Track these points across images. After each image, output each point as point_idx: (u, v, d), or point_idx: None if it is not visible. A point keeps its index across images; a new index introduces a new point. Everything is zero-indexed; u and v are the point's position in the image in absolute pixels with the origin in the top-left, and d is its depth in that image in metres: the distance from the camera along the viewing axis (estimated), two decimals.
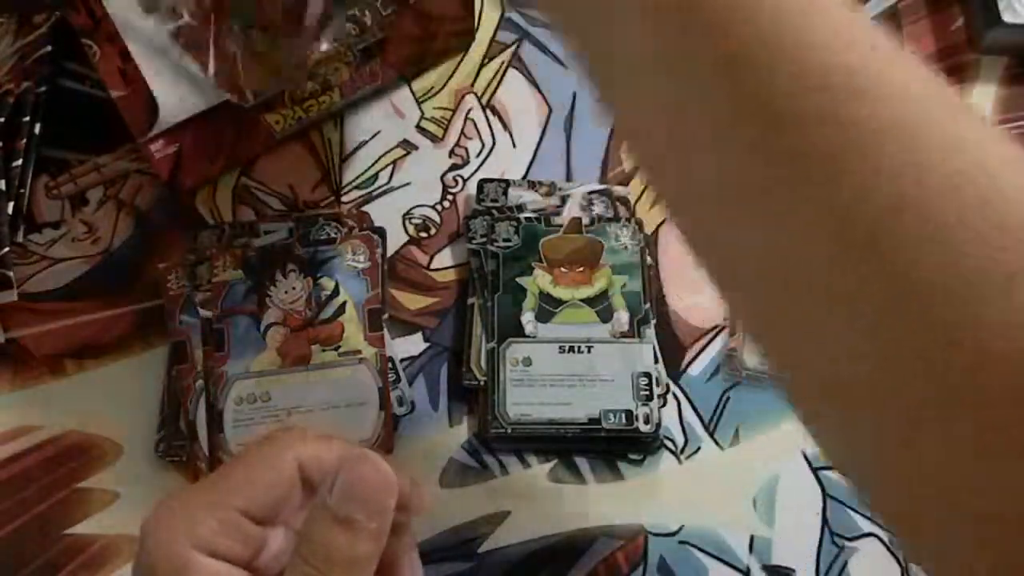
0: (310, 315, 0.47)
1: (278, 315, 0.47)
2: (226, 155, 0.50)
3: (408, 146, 0.53)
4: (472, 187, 0.51)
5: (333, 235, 0.49)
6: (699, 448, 0.47)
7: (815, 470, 0.46)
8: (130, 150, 0.52)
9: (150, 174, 0.52)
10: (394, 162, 0.53)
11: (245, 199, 0.52)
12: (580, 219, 0.50)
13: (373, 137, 0.53)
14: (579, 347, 0.46)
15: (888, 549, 0.45)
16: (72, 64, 0.53)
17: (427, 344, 0.48)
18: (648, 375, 0.46)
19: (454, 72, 0.55)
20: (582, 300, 0.48)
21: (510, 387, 0.46)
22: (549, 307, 0.47)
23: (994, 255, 0.19)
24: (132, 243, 0.50)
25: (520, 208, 0.50)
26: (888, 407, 0.21)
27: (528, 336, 0.47)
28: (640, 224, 0.50)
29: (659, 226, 0.51)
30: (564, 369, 0.46)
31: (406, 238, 0.51)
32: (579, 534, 0.45)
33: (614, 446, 0.46)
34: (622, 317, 0.47)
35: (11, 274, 0.48)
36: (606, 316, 0.47)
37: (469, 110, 0.54)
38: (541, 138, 0.53)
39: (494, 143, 0.53)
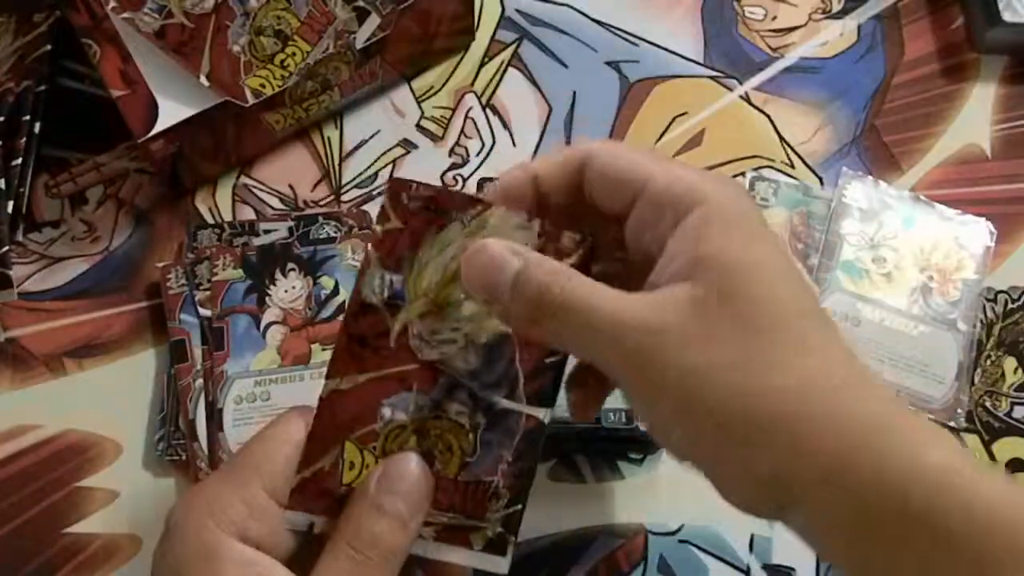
0: (310, 314, 0.47)
1: (278, 314, 0.47)
2: (226, 154, 0.50)
3: (408, 145, 0.53)
4: (472, 186, 0.51)
5: (333, 234, 0.49)
6: None
7: None
8: (130, 149, 0.52)
9: (150, 173, 0.52)
10: (394, 161, 0.53)
11: (245, 198, 0.52)
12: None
13: (373, 136, 0.53)
14: None
15: None
16: (72, 63, 0.53)
17: None
18: None
19: (454, 71, 0.55)
20: None
21: None
22: None
23: None
24: (132, 242, 0.50)
25: None
26: None
27: None
28: None
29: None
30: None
31: None
32: (579, 533, 0.45)
33: (614, 445, 0.46)
34: None
35: (11, 273, 0.48)
36: None
37: (469, 109, 0.54)
38: (541, 137, 0.53)
39: (494, 142, 0.53)
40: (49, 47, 0.50)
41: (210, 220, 0.51)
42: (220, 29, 0.46)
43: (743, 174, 0.52)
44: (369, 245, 0.30)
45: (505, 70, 0.55)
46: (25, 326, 0.48)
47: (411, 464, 0.29)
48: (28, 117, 0.49)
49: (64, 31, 0.49)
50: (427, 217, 0.30)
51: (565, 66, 0.55)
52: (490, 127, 0.54)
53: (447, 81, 0.55)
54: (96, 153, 0.52)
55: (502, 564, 0.30)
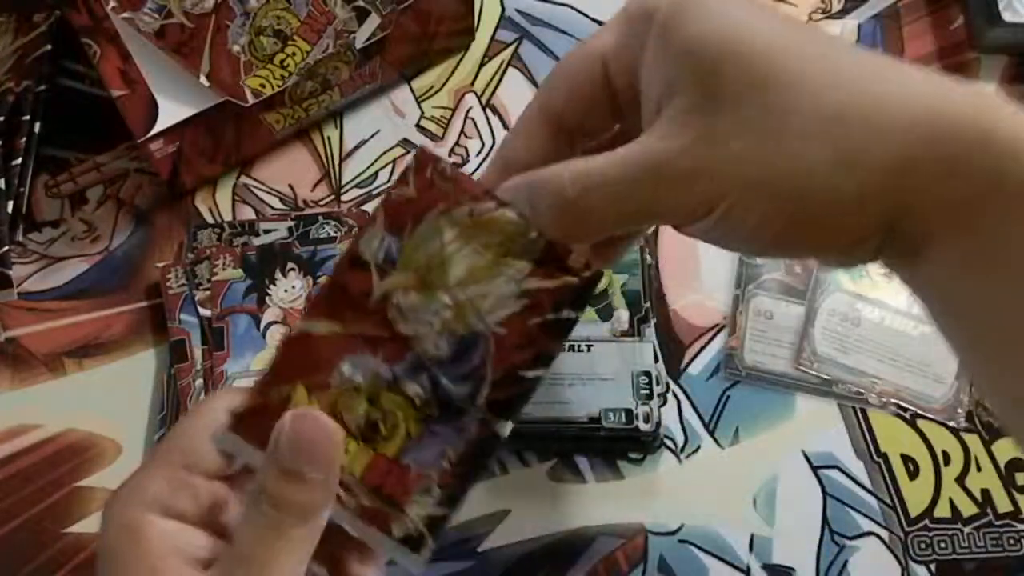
0: None
1: (278, 314, 0.47)
2: (226, 154, 0.50)
3: (408, 145, 0.53)
4: None
5: (333, 234, 0.49)
6: (699, 447, 0.47)
7: (815, 469, 0.46)
8: (130, 149, 0.52)
9: (150, 173, 0.52)
10: (394, 161, 0.53)
11: (245, 198, 0.52)
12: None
13: (373, 136, 0.53)
14: (579, 346, 0.46)
15: (888, 548, 0.45)
16: (72, 63, 0.53)
17: None
18: (648, 374, 0.46)
19: (454, 71, 0.55)
20: None
21: None
22: None
23: None
24: (132, 242, 0.50)
25: None
26: None
27: None
28: None
29: (659, 225, 0.51)
30: (564, 368, 0.46)
31: None
32: (579, 533, 0.45)
33: (614, 445, 0.46)
34: (622, 316, 0.47)
35: (11, 273, 0.48)
36: (606, 315, 0.47)
37: (469, 109, 0.54)
38: None
39: (494, 142, 0.53)
40: (49, 47, 0.50)
41: (210, 220, 0.51)
42: (220, 29, 0.46)
43: None
44: (380, 203, 0.30)
45: (505, 70, 0.55)
46: (25, 326, 0.49)
47: (308, 422, 0.29)
48: (28, 117, 0.49)
49: (64, 31, 0.49)
50: (441, 195, 0.30)
51: None
52: (490, 127, 0.54)
53: (447, 81, 0.55)
54: (96, 153, 0.52)
55: (416, 563, 0.29)
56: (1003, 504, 0.46)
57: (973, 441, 0.47)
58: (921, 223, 0.24)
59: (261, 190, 0.52)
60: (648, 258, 0.49)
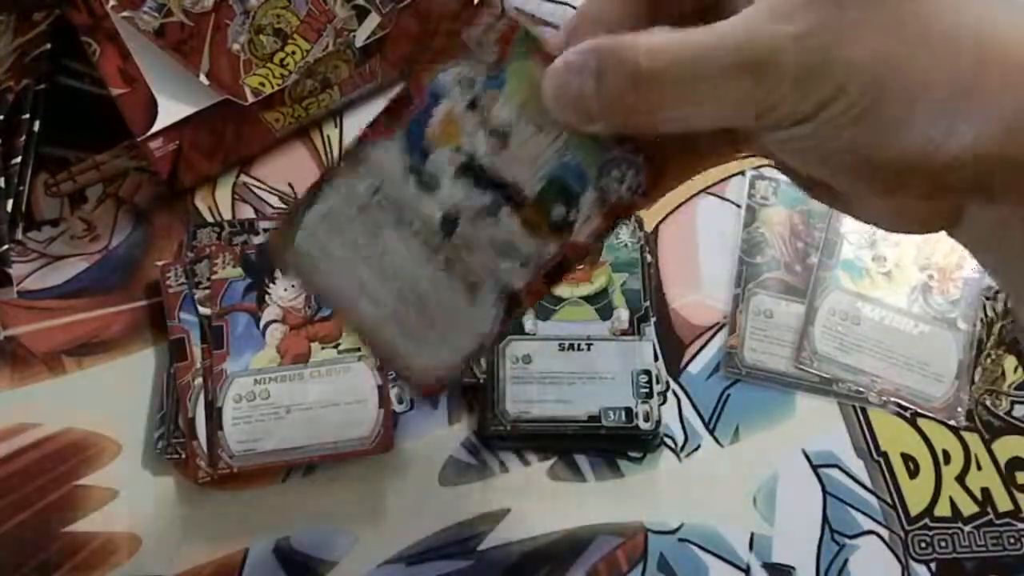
0: (309, 313, 0.47)
1: (277, 313, 0.47)
2: (225, 153, 0.50)
3: None
4: None
5: None
6: (699, 446, 0.47)
7: (815, 468, 0.46)
8: (129, 148, 0.52)
9: (149, 172, 0.52)
10: None
11: (244, 197, 0.52)
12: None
13: None
14: (579, 345, 0.46)
15: (888, 547, 0.45)
16: (72, 62, 0.53)
17: None
18: (648, 373, 0.46)
19: None
20: (582, 297, 0.48)
21: (510, 385, 0.45)
22: (549, 304, 0.47)
23: None
24: (131, 241, 0.50)
25: None
26: None
27: (528, 333, 0.47)
28: (640, 222, 0.50)
29: (659, 224, 0.51)
30: (564, 367, 0.46)
31: None
32: (579, 532, 0.45)
33: (614, 444, 0.46)
34: (622, 315, 0.47)
35: (10, 271, 0.47)
36: (606, 314, 0.47)
37: None
38: None
39: None
40: (49, 46, 0.50)
41: (209, 219, 0.51)
42: (220, 28, 0.46)
43: (743, 172, 0.52)
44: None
45: None
46: (24, 324, 0.48)
47: None
48: (28, 116, 0.49)
49: (64, 29, 0.49)
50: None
51: None
52: None
53: None
54: (96, 152, 0.52)
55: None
56: (1003, 503, 0.46)
57: (973, 440, 0.47)
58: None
59: (261, 189, 0.52)
60: (648, 257, 0.49)
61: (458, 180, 0.27)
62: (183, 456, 0.45)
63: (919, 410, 0.47)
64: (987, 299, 0.49)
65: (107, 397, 0.47)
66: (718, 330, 0.49)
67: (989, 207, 0.23)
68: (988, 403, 0.48)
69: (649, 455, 0.46)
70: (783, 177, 0.53)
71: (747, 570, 0.44)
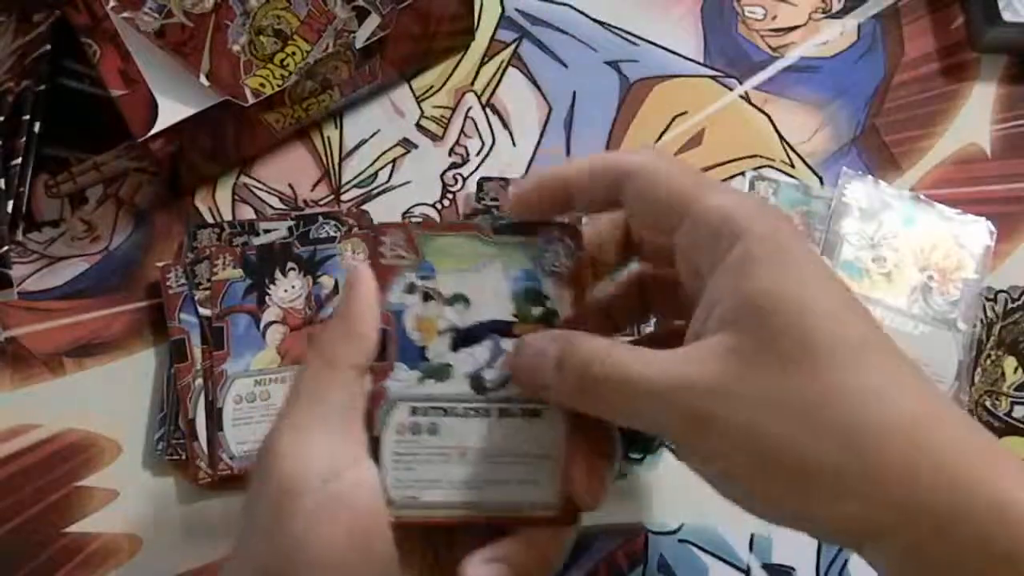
0: (310, 313, 0.47)
1: (278, 313, 0.47)
2: (226, 153, 0.50)
3: (408, 145, 0.53)
4: (472, 186, 0.51)
5: (333, 233, 0.49)
6: None
7: None
8: (129, 148, 0.52)
9: (149, 172, 0.52)
10: (394, 161, 0.53)
11: (245, 198, 0.52)
12: (580, 218, 0.49)
13: (373, 136, 0.53)
14: None
15: None
16: (72, 63, 0.53)
17: None
18: None
19: (454, 71, 0.55)
20: None
21: None
22: None
23: None
24: (131, 241, 0.50)
25: None
26: None
27: None
28: None
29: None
30: None
31: None
32: (579, 533, 0.45)
33: None
34: None
35: (11, 272, 0.47)
36: None
37: (469, 109, 0.54)
38: (541, 137, 0.53)
39: (494, 142, 0.53)
40: (49, 47, 0.50)
41: (210, 220, 0.51)
42: (220, 28, 0.46)
43: (743, 174, 0.52)
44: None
45: (505, 70, 0.55)
46: (25, 326, 0.48)
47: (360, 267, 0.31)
48: (28, 117, 0.49)
49: (64, 30, 0.49)
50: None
51: (565, 66, 0.55)
52: (490, 127, 0.54)
53: (447, 81, 0.55)
54: (96, 153, 0.52)
55: None
56: None
57: None
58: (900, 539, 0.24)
59: (261, 190, 0.52)
60: None
61: (458, 352, 0.32)
62: (183, 457, 0.45)
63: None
64: (987, 300, 0.49)
65: (107, 398, 0.47)
66: None
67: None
68: (988, 404, 0.48)
69: (649, 456, 0.46)
70: (783, 178, 0.53)
71: (747, 571, 0.44)
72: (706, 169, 0.53)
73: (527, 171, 0.52)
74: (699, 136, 0.53)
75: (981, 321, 0.49)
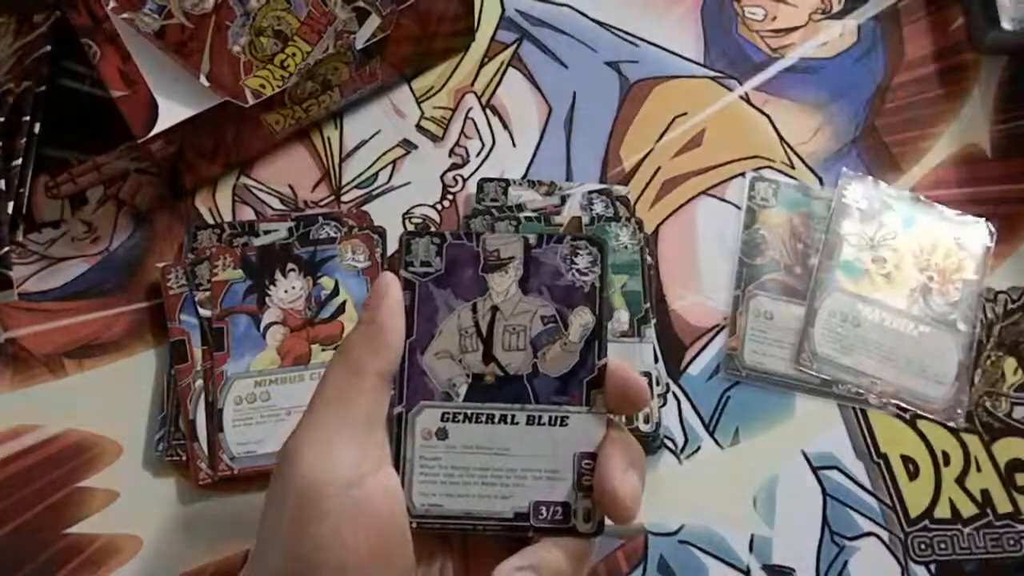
0: (310, 314, 0.47)
1: (278, 314, 0.47)
2: (226, 154, 0.50)
3: (408, 145, 0.53)
4: (472, 186, 0.51)
5: (333, 234, 0.49)
6: (699, 448, 0.47)
7: (815, 470, 0.46)
8: (130, 149, 0.52)
9: (150, 173, 0.52)
10: (394, 161, 0.53)
11: (245, 198, 0.52)
12: (580, 218, 0.50)
13: (373, 136, 0.53)
14: None
15: (888, 548, 0.45)
16: (72, 64, 0.53)
17: None
18: (648, 374, 0.46)
19: (454, 71, 0.55)
20: None
21: None
22: None
23: None
24: (132, 242, 0.50)
25: (520, 207, 0.50)
26: None
27: None
28: (640, 224, 0.50)
29: (659, 225, 0.51)
30: None
31: None
32: None
33: None
34: (622, 316, 0.47)
35: (11, 273, 0.47)
36: (606, 315, 0.47)
37: (469, 109, 0.54)
38: (541, 138, 0.53)
39: (494, 142, 0.53)
40: (49, 47, 0.50)
41: (210, 220, 0.51)
42: (220, 29, 0.46)
43: (743, 174, 0.52)
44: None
45: (505, 70, 0.55)
46: (25, 326, 0.49)
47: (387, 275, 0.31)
48: (28, 117, 0.49)
49: (64, 31, 0.49)
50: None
51: (565, 66, 0.55)
52: (490, 127, 0.54)
53: (447, 81, 0.55)
54: (96, 153, 0.52)
55: None
56: (1003, 504, 0.46)
57: (973, 441, 0.47)
58: None
59: (261, 190, 0.52)
60: (648, 258, 0.49)
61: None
62: (184, 458, 0.45)
63: (919, 412, 0.47)
64: (987, 301, 0.49)
65: (108, 399, 0.47)
66: (718, 332, 0.49)
67: None
68: (988, 405, 0.48)
69: (649, 457, 0.46)
70: (783, 178, 0.53)
71: (747, 572, 0.44)
72: (706, 169, 0.53)
73: (527, 172, 0.52)
74: (699, 137, 0.53)
75: (981, 322, 0.49)
